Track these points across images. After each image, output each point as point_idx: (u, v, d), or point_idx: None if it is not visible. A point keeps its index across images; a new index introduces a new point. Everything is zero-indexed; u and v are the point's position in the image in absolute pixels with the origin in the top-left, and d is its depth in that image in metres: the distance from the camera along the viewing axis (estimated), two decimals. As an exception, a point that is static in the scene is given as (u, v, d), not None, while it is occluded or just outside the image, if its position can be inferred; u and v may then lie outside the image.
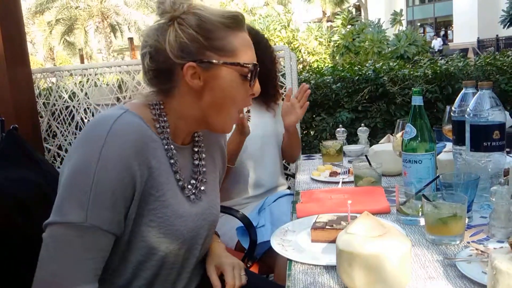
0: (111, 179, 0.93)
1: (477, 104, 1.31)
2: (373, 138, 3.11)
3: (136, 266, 1.06)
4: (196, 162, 1.16)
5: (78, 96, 3.61)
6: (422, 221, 1.22)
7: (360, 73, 3.66)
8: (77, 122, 3.64)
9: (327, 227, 1.19)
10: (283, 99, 2.09)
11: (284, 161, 2.26)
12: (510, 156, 1.45)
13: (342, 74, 3.71)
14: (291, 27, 10.88)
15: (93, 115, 3.58)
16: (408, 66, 4.10)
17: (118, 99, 3.61)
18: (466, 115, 1.34)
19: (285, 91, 2.79)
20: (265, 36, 2.08)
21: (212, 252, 1.27)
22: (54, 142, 3.73)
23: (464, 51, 13.42)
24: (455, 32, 27.49)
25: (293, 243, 1.20)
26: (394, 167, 1.77)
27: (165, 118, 1.06)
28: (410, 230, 1.23)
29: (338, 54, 9.63)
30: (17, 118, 2.99)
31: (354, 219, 0.99)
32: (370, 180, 1.60)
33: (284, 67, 2.93)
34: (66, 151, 3.71)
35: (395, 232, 0.92)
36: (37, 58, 26.86)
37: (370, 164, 1.65)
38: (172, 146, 1.07)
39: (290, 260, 1.10)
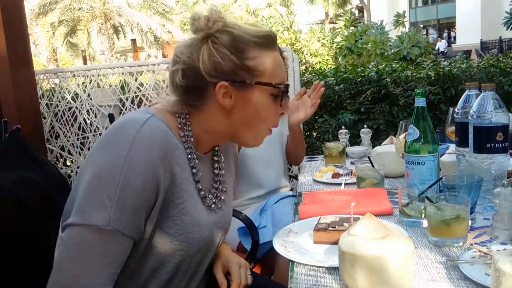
0: (137, 184, 0.92)
1: (480, 105, 1.30)
2: (376, 140, 3.10)
3: (150, 273, 1.06)
4: (216, 171, 1.16)
5: (81, 97, 3.62)
6: (425, 223, 1.21)
7: (362, 74, 3.65)
8: (80, 123, 3.64)
9: (329, 228, 1.19)
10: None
11: (288, 163, 2.25)
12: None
13: (345, 75, 3.70)
14: (293, 29, 10.85)
15: (95, 116, 3.59)
16: (411, 67, 4.08)
17: (120, 100, 3.61)
18: (469, 117, 1.33)
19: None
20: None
21: (218, 251, 1.27)
22: (56, 143, 3.73)
23: (467, 52, 13.41)
24: (458, 33, 27.46)
25: (296, 244, 1.20)
26: (397, 169, 1.76)
27: (189, 128, 1.05)
28: (413, 231, 1.22)
29: (341, 55, 9.61)
30: (20, 119, 3.00)
31: (357, 220, 0.99)
32: (372, 181, 1.60)
33: (287, 68, 2.93)
34: (68, 152, 3.71)
35: (397, 234, 0.92)
36: (40, 59, 26.92)
37: (372, 165, 1.64)
38: (195, 155, 1.06)
39: (293, 262, 1.10)
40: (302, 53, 9.67)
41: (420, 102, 1.37)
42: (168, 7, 25.81)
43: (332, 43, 10.25)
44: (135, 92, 3.49)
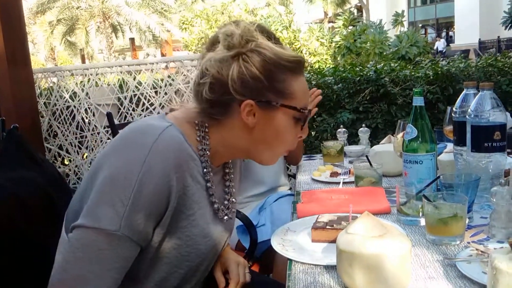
0: (151, 190, 0.92)
1: (478, 105, 1.31)
2: (374, 139, 3.10)
3: (157, 284, 1.06)
4: (227, 183, 1.17)
5: (79, 96, 3.62)
6: (422, 222, 1.22)
7: (361, 74, 3.65)
8: (78, 122, 3.64)
9: (327, 227, 1.20)
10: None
11: (286, 163, 2.25)
12: (511, 157, 1.45)
13: (344, 75, 3.70)
14: (292, 28, 10.86)
15: (94, 115, 3.59)
16: (409, 67, 4.08)
17: (119, 99, 3.61)
18: (467, 116, 1.34)
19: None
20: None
21: None
22: (55, 142, 3.73)
23: (466, 52, 13.42)
24: (457, 33, 27.48)
25: (294, 243, 1.20)
26: (394, 168, 1.77)
27: (207, 142, 1.05)
28: (411, 230, 1.23)
29: (340, 55, 9.62)
30: (18, 118, 3.00)
31: (355, 219, 0.99)
32: (370, 180, 1.60)
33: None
34: (66, 151, 3.71)
35: (395, 232, 0.92)
36: (38, 58, 26.86)
37: (371, 164, 1.65)
38: (210, 168, 1.06)
39: (291, 260, 1.10)
40: (301, 52, 9.68)
41: (418, 101, 1.38)
42: (167, 5, 25.76)
43: (331, 43, 10.27)
44: (134, 91, 3.50)
